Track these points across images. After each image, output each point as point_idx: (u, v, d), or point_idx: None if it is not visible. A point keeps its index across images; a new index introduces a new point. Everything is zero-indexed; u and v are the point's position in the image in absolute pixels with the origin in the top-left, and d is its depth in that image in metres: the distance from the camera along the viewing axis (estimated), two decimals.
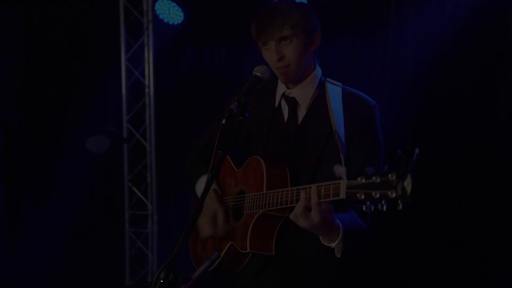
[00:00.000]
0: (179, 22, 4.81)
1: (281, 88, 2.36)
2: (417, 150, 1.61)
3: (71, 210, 5.32)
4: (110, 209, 5.52)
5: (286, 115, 2.34)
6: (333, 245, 2.04)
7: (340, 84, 2.35)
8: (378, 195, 1.67)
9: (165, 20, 4.79)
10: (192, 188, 2.50)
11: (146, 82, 5.24)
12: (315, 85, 2.31)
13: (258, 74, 2.19)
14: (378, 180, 1.68)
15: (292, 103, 2.32)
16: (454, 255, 3.61)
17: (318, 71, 2.34)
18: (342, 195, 1.81)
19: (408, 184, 1.60)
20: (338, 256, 2.06)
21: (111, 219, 5.52)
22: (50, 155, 5.25)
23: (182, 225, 5.18)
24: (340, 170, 1.89)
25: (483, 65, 3.51)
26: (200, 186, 2.45)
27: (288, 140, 2.31)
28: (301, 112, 2.32)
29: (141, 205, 5.34)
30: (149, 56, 5.19)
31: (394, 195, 1.63)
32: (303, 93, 2.30)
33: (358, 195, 1.73)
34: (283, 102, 2.35)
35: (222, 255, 2.27)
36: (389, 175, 1.65)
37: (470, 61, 3.53)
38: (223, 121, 2.06)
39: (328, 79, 2.35)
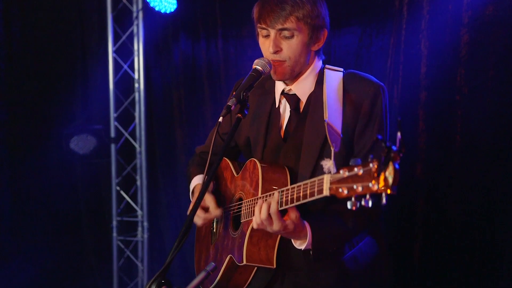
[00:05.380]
0: (172, 10, 4.81)
1: (279, 85, 2.37)
2: (399, 135, 1.55)
3: (53, 216, 5.33)
4: (96, 215, 5.53)
5: (287, 115, 2.35)
6: (303, 247, 2.10)
7: (342, 69, 2.33)
8: (360, 189, 1.62)
9: (157, 8, 4.79)
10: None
11: (136, 76, 5.25)
12: (315, 76, 2.31)
13: (258, 67, 2.20)
14: (361, 171, 1.64)
15: (294, 100, 2.33)
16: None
17: (317, 62, 2.34)
18: (326, 192, 1.78)
19: (390, 173, 1.56)
20: (311, 258, 2.12)
21: (97, 226, 5.52)
22: (31, 156, 5.25)
23: (175, 233, 5.19)
24: (328, 164, 1.89)
25: (505, 58, 3.51)
26: (192, 186, 2.54)
27: (286, 140, 2.33)
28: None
29: (130, 211, 5.35)
30: (139, 47, 5.20)
31: (376, 187, 1.58)
32: (304, 87, 2.31)
33: (340, 190, 1.70)
34: (284, 101, 2.36)
35: (222, 269, 2.28)
36: (371, 165, 1.61)
37: (491, 53, 3.53)
38: (220, 119, 2.07)
39: (328, 66, 2.34)
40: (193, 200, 2.49)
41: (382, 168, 1.57)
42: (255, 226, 2.07)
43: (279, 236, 2.17)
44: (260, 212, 2.04)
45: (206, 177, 2.06)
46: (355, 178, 1.65)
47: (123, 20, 5.20)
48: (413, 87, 3.79)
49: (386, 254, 2.40)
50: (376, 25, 4.03)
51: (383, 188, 1.57)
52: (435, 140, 3.76)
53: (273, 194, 2.04)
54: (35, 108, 5.30)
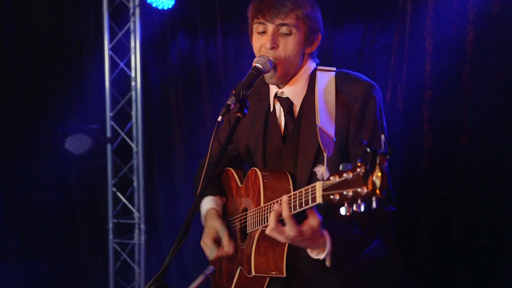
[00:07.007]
0: (170, 7, 4.81)
1: (273, 89, 2.39)
2: (382, 137, 1.59)
3: (48, 218, 5.32)
4: (92, 217, 5.52)
5: (282, 118, 2.37)
6: (321, 257, 2.06)
7: (335, 68, 2.35)
8: (351, 194, 1.64)
9: (154, 5, 4.79)
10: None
11: (132, 75, 5.25)
12: (307, 79, 2.33)
13: (258, 65, 2.20)
14: (350, 176, 1.66)
15: (287, 104, 2.35)
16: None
17: (310, 64, 2.36)
18: (319, 200, 1.79)
19: (377, 177, 1.58)
20: (328, 265, 2.08)
21: (92, 229, 5.52)
22: (24, 157, 5.25)
23: (173, 235, 5.18)
24: (321, 170, 1.90)
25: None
26: (204, 211, 2.54)
27: (285, 143, 2.34)
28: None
29: (127, 213, 5.34)
30: (135, 45, 5.19)
31: (365, 191, 1.60)
32: (295, 90, 2.33)
33: (332, 196, 1.71)
34: (278, 105, 2.38)
35: (234, 282, 2.30)
36: (358, 169, 1.63)
37: (498, 50, 3.53)
38: (219, 119, 2.08)
39: (320, 67, 2.36)
40: (204, 225, 2.51)
41: (369, 172, 1.59)
42: (267, 232, 2.02)
43: (286, 244, 2.16)
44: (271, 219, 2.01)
45: (202, 185, 2.06)
46: (345, 184, 1.67)
47: (120, 16, 5.19)
48: (418, 86, 3.79)
49: (396, 255, 2.41)
50: (380, 22, 4.03)
51: (372, 192, 1.59)
52: (440, 139, 3.75)
53: (281, 199, 2.00)
54: (29, 107, 5.29)
